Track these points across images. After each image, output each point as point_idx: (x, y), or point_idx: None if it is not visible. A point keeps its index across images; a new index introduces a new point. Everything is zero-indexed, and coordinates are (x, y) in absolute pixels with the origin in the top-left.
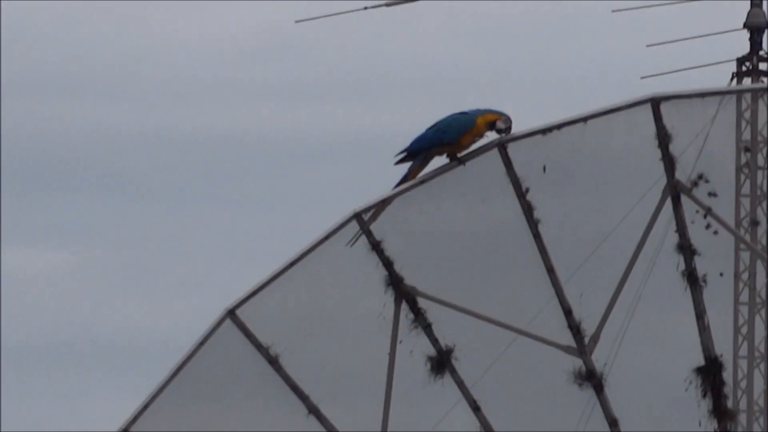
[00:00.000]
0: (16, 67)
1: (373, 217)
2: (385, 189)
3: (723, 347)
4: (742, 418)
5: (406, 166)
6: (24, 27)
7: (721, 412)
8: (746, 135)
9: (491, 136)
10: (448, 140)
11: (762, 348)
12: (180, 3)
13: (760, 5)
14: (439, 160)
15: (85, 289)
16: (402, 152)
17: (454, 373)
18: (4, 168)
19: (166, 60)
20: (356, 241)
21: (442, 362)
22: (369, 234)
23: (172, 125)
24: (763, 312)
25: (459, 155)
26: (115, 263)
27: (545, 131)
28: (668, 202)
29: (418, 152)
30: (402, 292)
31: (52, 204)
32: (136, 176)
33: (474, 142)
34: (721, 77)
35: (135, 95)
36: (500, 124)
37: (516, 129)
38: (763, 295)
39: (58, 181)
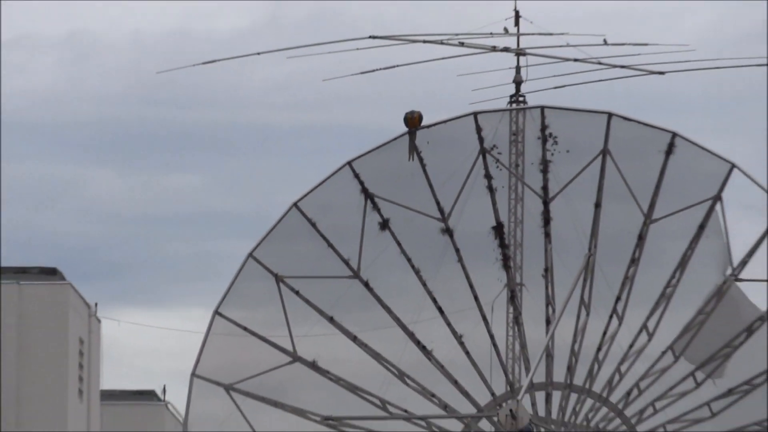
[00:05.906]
0: None
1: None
2: None
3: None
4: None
5: None
6: None
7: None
8: (512, 127)
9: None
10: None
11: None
12: None
13: (519, 72)
14: None
15: None
16: None
17: (389, 230)
18: None
19: None
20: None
21: (384, 225)
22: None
23: None
24: (520, 204)
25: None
26: None
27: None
28: (481, 158)
29: None
30: (368, 195)
31: None
32: None
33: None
34: (503, 103)
35: None
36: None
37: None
38: (520, 194)
39: None
